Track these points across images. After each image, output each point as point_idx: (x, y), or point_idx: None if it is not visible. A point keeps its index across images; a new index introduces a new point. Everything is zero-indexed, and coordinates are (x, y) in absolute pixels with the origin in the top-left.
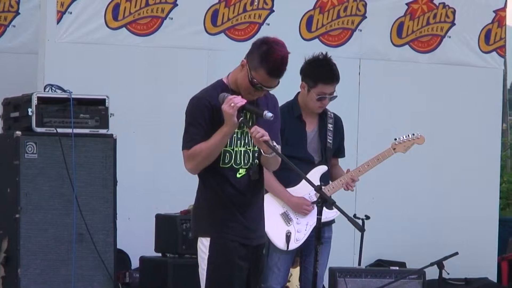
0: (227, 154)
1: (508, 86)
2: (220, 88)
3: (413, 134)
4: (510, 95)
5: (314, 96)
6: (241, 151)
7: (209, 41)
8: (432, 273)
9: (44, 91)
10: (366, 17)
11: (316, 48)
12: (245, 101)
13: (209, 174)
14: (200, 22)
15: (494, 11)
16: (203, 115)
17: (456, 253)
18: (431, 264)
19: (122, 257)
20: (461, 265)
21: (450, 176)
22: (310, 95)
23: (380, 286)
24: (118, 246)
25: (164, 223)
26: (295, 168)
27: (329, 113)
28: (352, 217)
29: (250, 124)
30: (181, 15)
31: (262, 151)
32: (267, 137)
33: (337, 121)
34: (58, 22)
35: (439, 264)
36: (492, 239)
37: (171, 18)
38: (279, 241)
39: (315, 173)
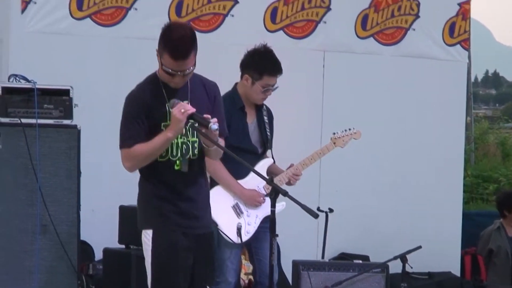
0: None
1: (472, 80)
2: (152, 82)
3: (350, 129)
4: (474, 89)
5: (259, 88)
6: (178, 143)
7: None
8: (395, 267)
9: (9, 81)
10: (330, 9)
11: (280, 39)
12: (194, 109)
13: (146, 167)
14: (164, 13)
15: (458, 4)
16: (138, 112)
17: (420, 247)
18: (395, 258)
19: (85, 249)
20: (424, 259)
21: (414, 169)
22: (255, 87)
23: (343, 279)
24: (82, 238)
25: (128, 214)
26: (244, 162)
27: (263, 105)
28: (308, 206)
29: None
30: (146, 6)
31: (204, 144)
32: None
33: (270, 113)
34: (22, 11)
35: (403, 257)
36: (456, 233)
37: (136, 9)
38: (231, 234)
39: (263, 166)
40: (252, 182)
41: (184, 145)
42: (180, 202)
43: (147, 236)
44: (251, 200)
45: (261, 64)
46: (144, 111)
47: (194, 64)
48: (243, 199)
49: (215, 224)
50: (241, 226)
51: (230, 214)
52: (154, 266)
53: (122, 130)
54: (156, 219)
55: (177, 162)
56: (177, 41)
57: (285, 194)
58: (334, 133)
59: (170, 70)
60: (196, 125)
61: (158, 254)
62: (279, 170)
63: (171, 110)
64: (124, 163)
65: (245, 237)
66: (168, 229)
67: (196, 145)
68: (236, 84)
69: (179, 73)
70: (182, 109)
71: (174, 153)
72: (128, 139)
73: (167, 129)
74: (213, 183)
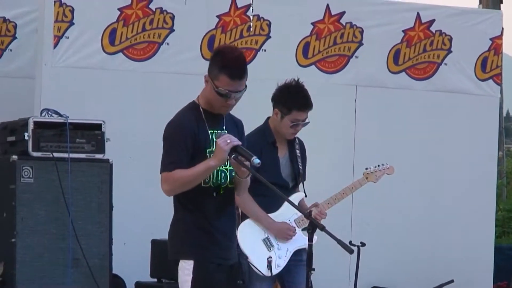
0: None
1: (504, 114)
2: (193, 109)
3: (382, 165)
4: (506, 123)
5: (288, 123)
6: (218, 170)
7: (205, 66)
8: None
9: (41, 115)
10: (362, 44)
11: (313, 74)
12: (240, 142)
13: (187, 193)
14: (196, 48)
15: (490, 39)
16: (181, 138)
17: (452, 281)
18: None
19: (117, 282)
20: None
21: (446, 203)
22: (284, 122)
23: None
24: (114, 271)
25: (160, 248)
26: (282, 195)
27: (296, 138)
28: (343, 241)
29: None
30: (178, 41)
31: (238, 175)
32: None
33: (302, 146)
34: (55, 46)
35: None
36: (487, 267)
37: (168, 44)
38: (262, 268)
39: (295, 200)
40: (283, 215)
41: (222, 173)
42: (216, 232)
43: (186, 266)
44: (282, 233)
45: (290, 99)
46: (190, 136)
47: (246, 87)
48: (273, 232)
49: (246, 257)
50: (271, 259)
51: (260, 247)
52: None
53: (164, 155)
54: (197, 249)
55: (220, 189)
56: (234, 61)
57: (322, 228)
58: (366, 168)
59: (226, 91)
60: (239, 157)
61: (198, 285)
62: (306, 207)
63: (216, 140)
64: (163, 186)
65: (275, 270)
66: (208, 261)
67: (234, 174)
68: (268, 118)
69: (233, 94)
70: (228, 140)
71: (214, 180)
72: (171, 164)
73: (210, 158)
74: (244, 216)
